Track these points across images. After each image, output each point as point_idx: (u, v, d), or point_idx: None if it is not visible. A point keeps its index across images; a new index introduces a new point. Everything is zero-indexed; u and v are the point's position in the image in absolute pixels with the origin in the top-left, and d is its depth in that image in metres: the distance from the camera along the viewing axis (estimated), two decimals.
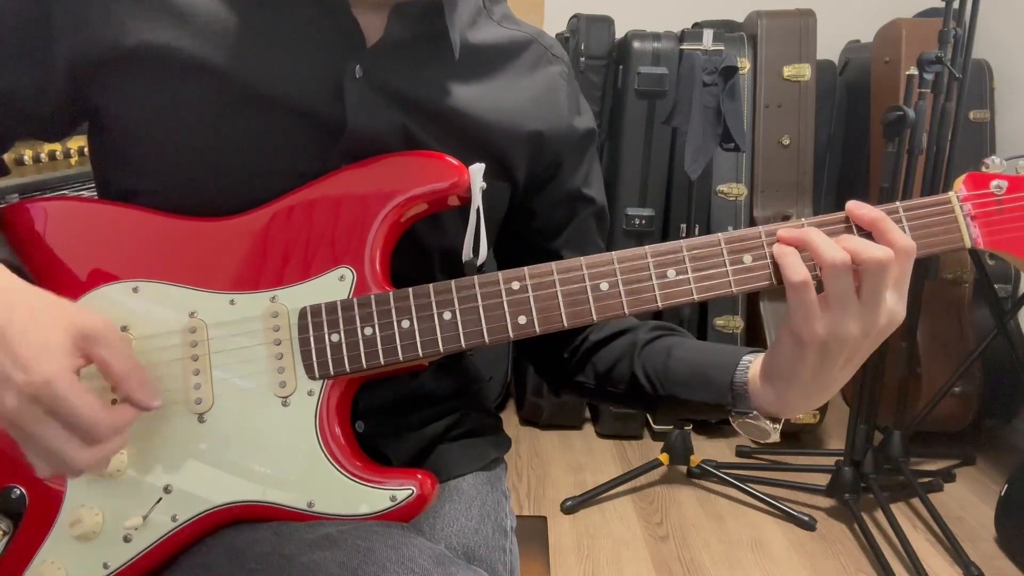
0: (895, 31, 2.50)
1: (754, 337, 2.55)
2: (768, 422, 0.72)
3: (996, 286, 2.26)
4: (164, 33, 0.71)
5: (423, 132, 0.76)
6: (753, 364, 0.73)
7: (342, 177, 0.73)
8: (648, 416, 2.59)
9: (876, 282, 0.62)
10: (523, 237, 0.88)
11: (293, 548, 0.65)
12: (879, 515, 2.06)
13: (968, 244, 0.68)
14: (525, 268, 0.69)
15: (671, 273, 0.68)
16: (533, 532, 1.15)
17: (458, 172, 0.71)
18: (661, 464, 2.28)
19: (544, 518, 1.29)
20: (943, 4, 1.84)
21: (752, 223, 2.49)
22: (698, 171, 2.05)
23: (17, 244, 0.74)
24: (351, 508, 0.69)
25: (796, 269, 0.64)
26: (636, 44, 2.39)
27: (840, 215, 0.67)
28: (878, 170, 2.57)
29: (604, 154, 2.53)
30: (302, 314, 0.70)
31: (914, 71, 1.85)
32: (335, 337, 0.70)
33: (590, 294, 0.69)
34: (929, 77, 1.84)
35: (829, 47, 2.81)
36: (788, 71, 2.50)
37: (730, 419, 0.75)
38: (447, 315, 0.69)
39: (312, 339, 0.70)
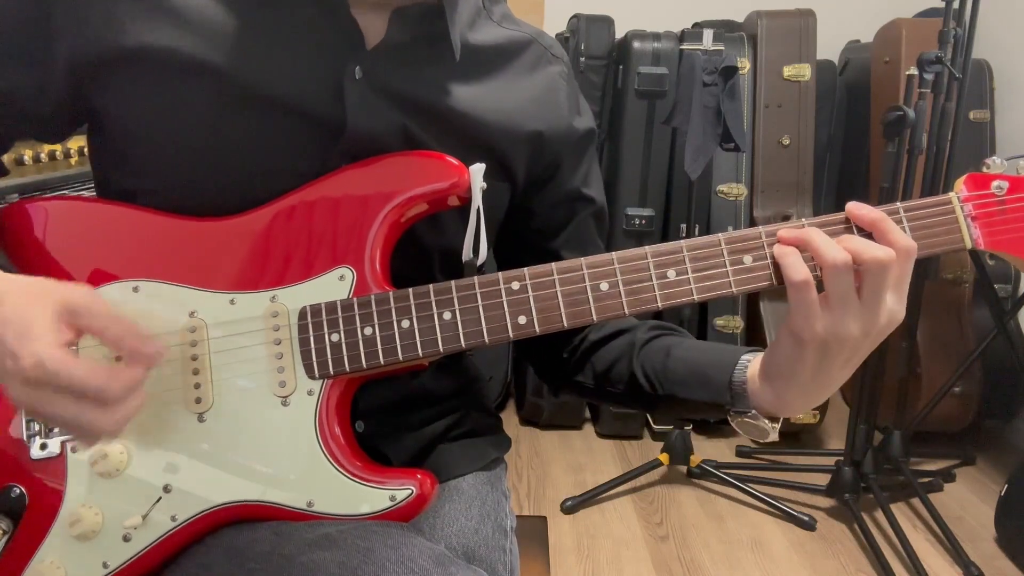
0: (895, 31, 2.50)
1: (754, 337, 2.55)
2: (767, 421, 0.72)
3: (996, 286, 2.26)
4: (164, 34, 0.71)
5: (423, 132, 0.76)
6: (752, 364, 0.73)
7: (342, 177, 0.73)
8: (648, 416, 2.59)
9: (877, 282, 0.63)
10: (522, 237, 0.88)
11: (292, 548, 0.65)
12: (879, 515, 2.06)
13: (969, 245, 0.68)
14: (525, 268, 0.69)
15: (671, 273, 0.68)
16: (533, 532, 1.15)
17: (458, 172, 0.71)
18: (661, 464, 2.28)
19: (544, 518, 1.29)
20: (943, 4, 1.84)
21: (752, 223, 2.50)
22: (698, 171, 2.05)
23: (16, 244, 0.74)
24: (351, 508, 0.69)
25: (797, 269, 0.64)
26: (636, 44, 2.39)
27: (841, 215, 0.67)
28: (878, 170, 2.57)
29: (604, 154, 2.53)
30: (302, 314, 0.70)
31: (914, 71, 1.85)
32: (335, 337, 0.70)
33: (590, 294, 0.69)
34: (929, 77, 1.84)
35: (829, 47, 2.81)
36: (788, 71, 2.50)
37: (728, 418, 0.75)
38: (447, 315, 0.69)
39: (312, 339, 0.70)
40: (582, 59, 2.46)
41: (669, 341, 0.83)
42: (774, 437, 0.73)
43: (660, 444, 2.34)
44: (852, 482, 2.08)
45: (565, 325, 0.69)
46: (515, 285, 0.69)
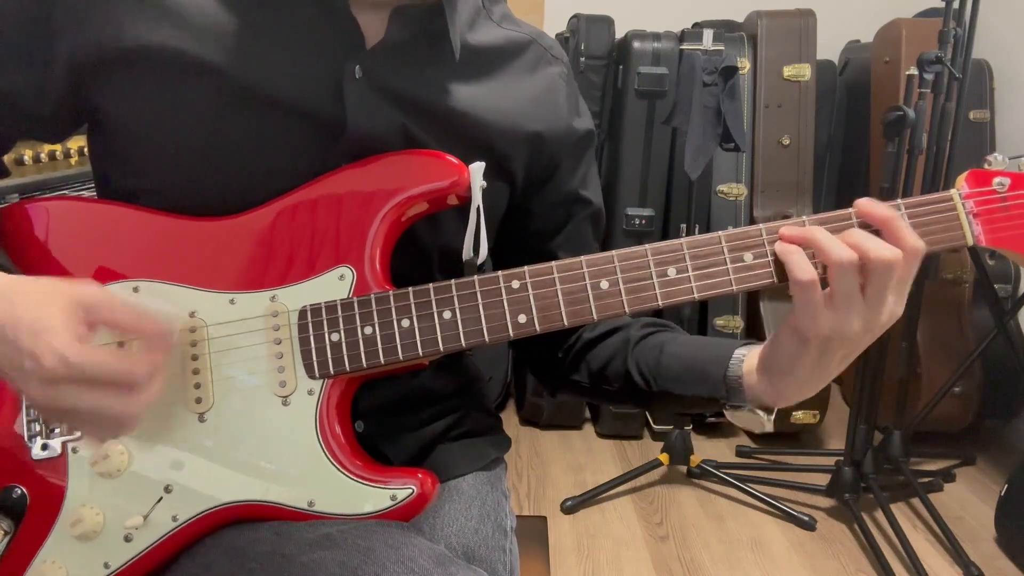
0: (895, 31, 2.50)
1: (754, 337, 2.55)
2: (763, 413, 0.73)
3: (996, 286, 2.26)
4: (164, 34, 0.71)
5: (423, 132, 0.76)
6: (748, 357, 0.74)
7: (342, 176, 0.73)
8: (648, 416, 2.59)
9: (883, 281, 0.63)
10: (519, 238, 0.88)
11: (293, 548, 0.65)
12: (879, 515, 2.06)
13: (970, 241, 0.68)
14: (525, 267, 0.69)
15: (672, 272, 0.68)
16: (533, 532, 1.15)
17: (458, 171, 0.71)
18: (661, 464, 2.27)
19: (544, 518, 1.29)
20: (943, 4, 1.84)
21: (752, 223, 2.48)
22: (698, 171, 2.05)
23: (16, 244, 0.74)
24: (351, 507, 0.69)
25: (804, 268, 0.64)
26: (636, 44, 2.39)
27: (844, 212, 0.67)
28: (878, 170, 2.57)
29: (604, 154, 2.53)
30: (302, 313, 0.70)
31: (914, 71, 1.85)
32: (335, 336, 0.70)
33: (590, 293, 0.69)
34: (929, 77, 1.84)
35: (829, 47, 2.81)
36: (788, 71, 2.50)
37: (724, 412, 0.76)
38: (447, 314, 0.69)
39: (312, 338, 0.70)
40: (582, 59, 2.46)
41: (663, 337, 0.83)
42: (769, 428, 0.73)
43: (660, 444, 2.34)
44: (852, 482, 2.07)
45: (565, 324, 0.69)
46: (515, 284, 0.69)
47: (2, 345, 0.58)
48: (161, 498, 0.69)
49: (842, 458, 2.10)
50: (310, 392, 0.70)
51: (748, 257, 0.68)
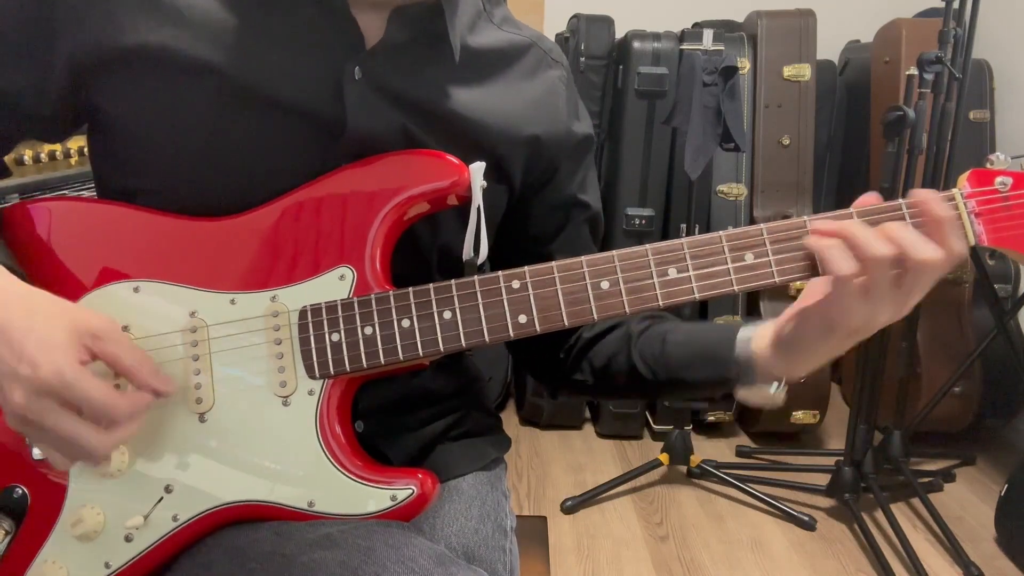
0: (895, 31, 2.50)
1: None
2: (775, 386, 0.73)
3: (996, 286, 2.26)
4: (164, 34, 0.71)
5: (423, 132, 0.76)
6: (756, 335, 0.75)
7: (342, 176, 0.73)
8: (648, 416, 2.59)
9: (921, 279, 0.63)
10: (517, 241, 0.88)
11: (293, 548, 0.65)
12: (879, 515, 2.06)
13: (972, 241, 0.67)
14: (526, 267, 0.69)
15: (672, 271, 0.68)
16: (533, 532, 1.15)
17: (458, 171, 0.71)
18: (661, 464, 2.27)
19: (544, 518, 1.29)
20: (943, 4, 1.84)
21: (752, 223, 2.49)
22: (698, 171, 2.05)
23: (17, 245, 0.74)
24: (352, 507, 0.69)
25: (846, 262, 0.63)
26: (636, 44, 2.39)
27: (894, 203, 0.66)
28: (878, 170, 2.57)
29: (604, 154, 2.53)
30: (302, 313, 0.70)
31: (914, 71, 1.85)
32: (335, 336, 0.70)
33: (591, 293, 0.69)
34: (929, 77, 1.84)
35: (829, 47, 2.81)
36: (788, 71, 2.50)
37: (734, 392, 0.76)
38: (447, 314, 0.69)
39: (312, 338, 0.70)
40: (582, 59, 2.46)
41: (663, 327, 0.84)
42: (780, 400, 0.73)
43: (660, 444, 2.34)
44: (852, 482, 2.07)
45: (566, 324, 0.69)
46: (515, 284, 0.69)
47: (5, 347, 0.59)
48: (162, 498, 0.69)
49: (842, 458, 2.10)
50: (310, 392, 0.70)
51: (749, 257, 0.68)
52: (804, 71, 2.50)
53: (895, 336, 2.11)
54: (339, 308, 0.70)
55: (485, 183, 0.71)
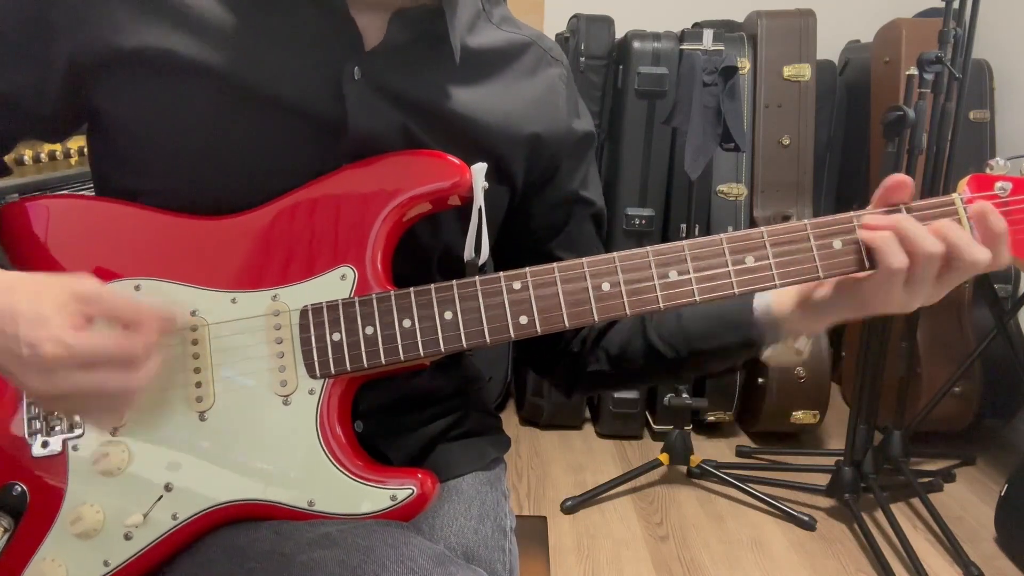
0: (895, 31, 2.50)
1: None
2: (802, 341, 0.77)
3: (996, 286, 2.26)
4: (164, 34, 0.71)
5: (424, 133, 0.76)
6: (775, 299, 0.77)
7: (343, 176, 0.73)
8: (648, 416, 2.59)
9: (961, 276, 0.66)
10: (521, 239, 0.88)
11: (293, 547, 0.65)
12: (879, 515, 2.06)
13: None
14: (527, 268, 0.69)
15: (673, 273, 0.68)
16: (533, 532, 1.15)
17: (460, 171, 0.71)
18: (661, 464, 2.27)
19: (544, 518, 1.29)
20: (943, 4, 1.84)
21: (752, 223, 2.49)
22: (698, 171, 2.05)
23: (16, 243, 0.74)
24: (351, 507, 0.69)
25: (899, 256, 0.66)
26: (636, 44, 2.39)
27: (947, 199, 0.68)
28: (878, 170, 2.57)
29: (604, 154, 2.53)
30: (303, 313, 0.70)
31: (914, 71, 1.85)
32: (336, 336, 0.70)
33: (591, 294, 0.69)
34: (929, 77, 1.84)
35: (829, 47, 2.81)
36: (788, 71, 2.50)
37: (759, 354, 0.79)
38: (448, 315, 0.69)
39: (313, 338, 0.70)
40: (582, 59, 2.46)
41: None
42: (806, 353, 0.77)
43: (660, 444, 2.34)
44: (852, 482, 2.07)
45: (567, 325, 0.69)
46: (516, 285, 0.69)
47: (1, 337, 0.58)
48: (161, 496, 0.69)
49: (842, 458, 2.10)
50: (311, 392, 0.70)
51: (749, 259, 0.68)
52: (804, 71, 2.50)
53: (895, 336, 2.11)
54: (340, 308, 0.70)
55: (487, 184, 0.72)
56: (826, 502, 2.18)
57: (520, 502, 2.20)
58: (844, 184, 2.88)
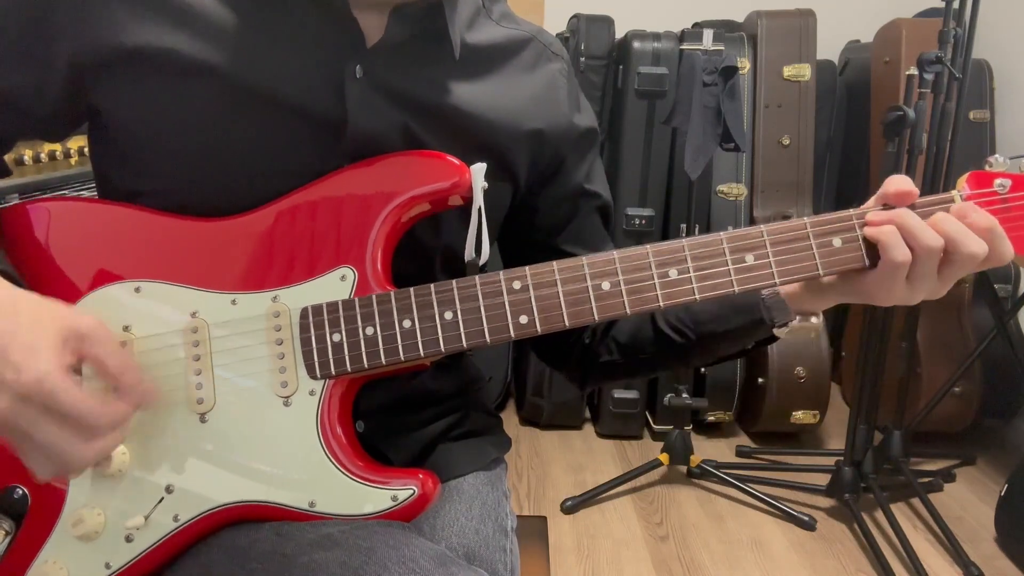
0: (895, 31, 2.50)
1: None
2: (812, 319, 0.78)
3: (996, 286, 2.26)
4: (165, 34, 0.71)
5: (424, 131, 0.76)
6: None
7: (344, 177, 0.73)
8: (648, 416, 2.59)
9: (962, 270, 0.67)
10: (528, 234, 0.88)
11: (294, 548, 0.65)
12: (879, 515, 2.06)
13: None
14: (527, 268, 0.69)
15: (673, 272, 0.68)
16: (533, 532, 1.15)
17: (459, 172, 0.71)
18: (661, 464, 2.27)
19: (544, 518, 1.29)
20: (943, 4, 1.84)
21: (752, 223, 2.49)
22: (698, 171, 2.05)
23: (17, 245, 0.74)
24: (353, 508, 0.69)
25: (902, 250, 0.66)
26: (636, 44, 2.39)
27: (946, 195, 0.69)
28: (878, 170, 2.57)
29: (604, 154, 2.53)
30: (303, 314, 0.70)
31: (914, 71, 1.85)
32: (336, 337, 0.70)
33: (591, 294, 0.69)
34: (929, 77, 1.84)
35: (829, 47, 2.81)
36: (788, 71, 2.50)
37: (770, 333, 0.79)
38: (448, 315, 0.69)
39: (313, 339, 0.70)
40: (582, 59, 2.46)
41: None
42: (819, 323, 0.78)
43: (660, 444, 2.34)
44: (852, 482, 2.08)
45: (567, 325, 0.69)
46: (516, 284, 0.69)
47: None
48: (162, 498, 0.69)
49: (842, 458, 2.10)
50: (311, 392, 0.70)
51: (749, 258, 0.68)
52: (804, 71, 2.50)
53: (895, 336, 2.11)
54: (340, 308, 0.70)
55: (486, 184, 0.71)
56: (826, 502, 2.18)
57: (520, 502, 2.20)
58: (844, 184, 2.88)
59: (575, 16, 2.51)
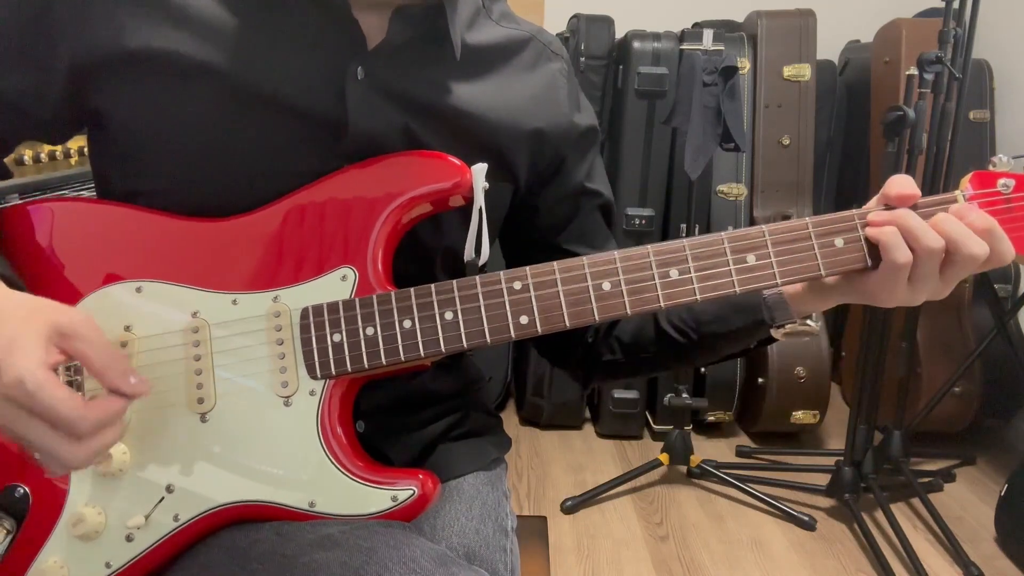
0: (895, 31, 2.50)
1: None
2: (809, 321, 0.78)
3: (996, 286, 2.26)
4: (166, 36, 0.71)
5: (425, 132, 0.76)
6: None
7: (345, 177, 0.73)
8: (648, 416, 2.59)
9: (964, 271, 0.67)
10: (530, 234, 0.88)
11: (294, 548, 0.65)
12: (879, 515, 2.06)
13: None
14: (527, 268, 0.69)
15: (674, 272, 0.68)
16: (533, 532, 1.15)
17: (460, 172, 0.71)
18: (661, 464, 2.27)
19: (544, 518, 1.29)
20: (943, 4, 1.84)
21: (752, 223, 2.49)
22: (698, 171, 2.05)
23: (18, 246, 0.74)
24: (353, 508, 0.69)
25: (903, 251, 0.66)
26: (636, 44, 2.39)
27: (949, 195, 0.69)
28: (878, 170, 2.57)
29: (604, 154, 2.53)
30: (304, 314, 0.70)
31: (914, 71, 1.85)
32: (337, 337, 0.70)
33: (592, 294, 0.69)
34: (929, 77, 1.84)
35: (829, 47, 2.81)
36: (788, 71, 2.50)
37: (772, 333, 0.79)
38: (449, 315, 0.69)
39: (314, 339, 0.70)
40: (582, 59, 2.46)
41: None
42: (817, 329, 0.79)
43: (660, 444, 2.34)
44: (852, 482, 2.08)
45: (567, 325, 0.69)
46: (517, 285, 0.69)
47: None
48: (163, 498, 0.69)
49: (842, 458, 2.10)
50: (312, 392, 0.70)
51: (751, 258, 0.68)
52: (804, 71, 2.50)
53: (895, 336, 2.11)
54: (340, 308, 0.70)
55: (487, 184, 0.71)
56: (826, 502, 2.18)
57: (520, 502, 2.20)
58: (844, 184, 2.88)
59: (575, 16, 2.51)
